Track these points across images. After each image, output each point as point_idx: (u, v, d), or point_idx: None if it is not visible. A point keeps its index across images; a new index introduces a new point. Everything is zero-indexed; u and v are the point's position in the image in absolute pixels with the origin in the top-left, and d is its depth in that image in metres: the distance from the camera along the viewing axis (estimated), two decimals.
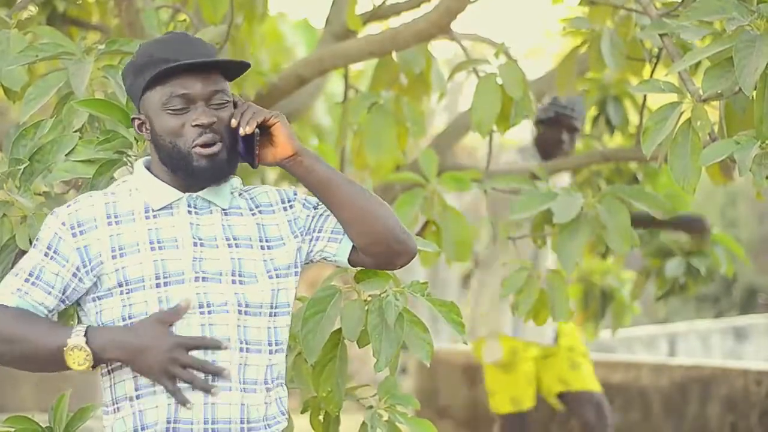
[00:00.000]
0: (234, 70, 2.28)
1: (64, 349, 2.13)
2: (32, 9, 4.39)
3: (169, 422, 2.19)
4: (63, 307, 2.25)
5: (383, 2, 4.65)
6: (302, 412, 2.82)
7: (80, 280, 2.22)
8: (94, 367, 2.16)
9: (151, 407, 2.19)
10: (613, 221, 3.68)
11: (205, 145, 2.21)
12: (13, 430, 2.50)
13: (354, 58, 4.25)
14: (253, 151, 2.27)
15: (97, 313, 2.23)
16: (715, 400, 5.50)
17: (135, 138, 2.52)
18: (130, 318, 2.20)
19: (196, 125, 2.20)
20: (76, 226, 2.22)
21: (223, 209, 2.29)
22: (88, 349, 2.13)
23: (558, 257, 3.70)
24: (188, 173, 2.23)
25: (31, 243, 2.48)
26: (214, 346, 2.14)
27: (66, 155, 2.55)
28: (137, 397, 2.20)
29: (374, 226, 2.29)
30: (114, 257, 2.21)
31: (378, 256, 2.33)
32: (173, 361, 2.12)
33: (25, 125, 2.64)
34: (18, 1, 3.66)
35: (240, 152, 2.27)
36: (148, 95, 2.24)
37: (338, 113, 5.12)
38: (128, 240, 2.22)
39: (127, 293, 2.20)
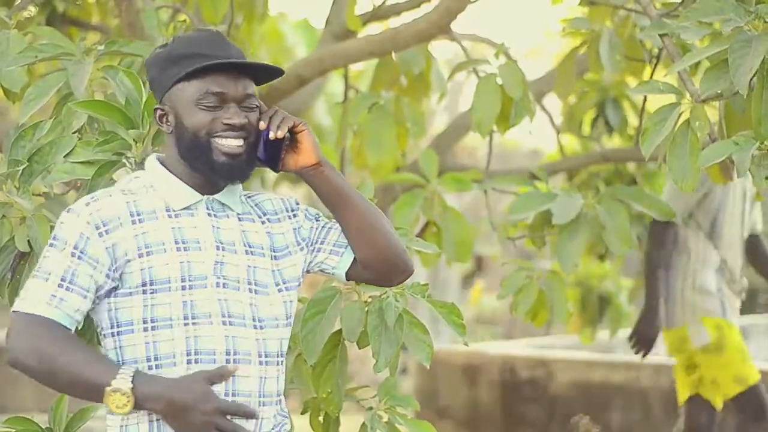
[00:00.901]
0: (263, 76, 2.29)
1: (106, 389, 2.04)
2: (32, 9, 4.39)
3: None
4: (92, 308, 2.19)
5: (383, 2, 4.65)
6: (302, 413, 2.82)
7: (112, 280, 2.16)
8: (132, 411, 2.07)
9: None
10: (612, 222, 3.68)
11: (228, 140, 2.19)
12: (13, 430, 2.50)
13: (354, 58, 4.25)
14: (279, 155, 2.27)
15: (110, 311, 2.17)
16: None
17: (134, 140, 2.51)
18: (152, 321, 2.15)
19: (228, 124, 2.19)
20: (101, 225, 2.16)
21: (238, 214, 2.28)
22: (131, 395, 2.03)
23: (557, 258, 3.70)
24: (208, 167, 2.20)
25: (30, 244, 2.48)
26: (250, 415, 2.08)
27: (65, 156, 2.54)
28: None
29: (380, 240, 2.31)
30: (140, 255, 2.16)
31: (379, 270, 2.33)
32: (211, 425, 2.04)
33: (24, 126, 2.63)
34: (18, 2, 3.66)
35: (259, 156, 2.26)
36: (180, 87, 2.21)
37: (338, 113, 5.12)
38: (154, 239, 2.18)
39: (151, 293, 2.16)
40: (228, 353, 2.16)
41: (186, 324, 2.15)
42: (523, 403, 6.25)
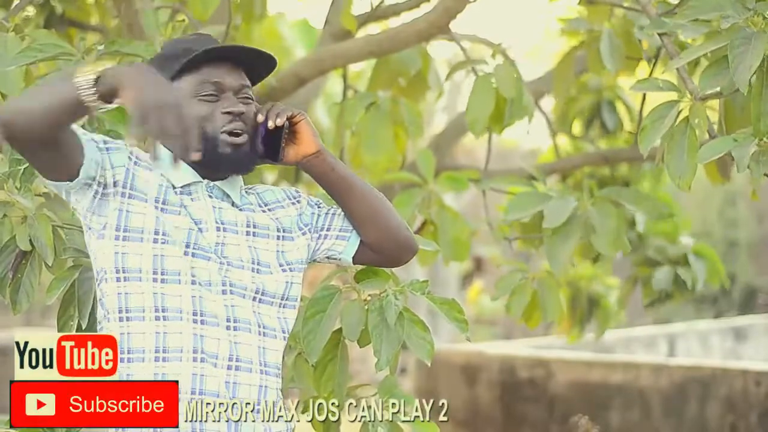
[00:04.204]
0: (257, 72, 2.30)
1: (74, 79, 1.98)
2: (31, 10, 4.38)
3: (194, 393, 2.18)
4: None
5: (381, 2, 4.65)
6: (303, 412, 2.82)
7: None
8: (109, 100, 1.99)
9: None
10: (602, 225, 3.67)
11: (233, 134, 2.22)
12: (12, 430, 2.50)
13: (354, 58, 4.25)
14: (279, 146, 2.28)
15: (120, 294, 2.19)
16: (714, 401, 5.51)
17: None
18: (162, 311, 2.18)
19: (227, 112, 2.21)
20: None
21: (238, 206, 2.30)
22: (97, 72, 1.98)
23: (548, 260, 3.69)
24: (213, 158, 2.22)
25: (31, 243, 2.49)
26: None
27: None
28: (164, 360, 2.18)
29: (387, 222, 2.34)
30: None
31: (387, 251, 2.37)
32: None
33: None
34: (16, 3, 3.66)
35: (258, 151, 2.27)
36: (176, 85, 2.21)
37: (337, 113, 5.13)
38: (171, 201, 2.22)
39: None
40: (228, 320, 2.20)
41: (193, 320, 2.18)
42: (523, 403, 6.25)
